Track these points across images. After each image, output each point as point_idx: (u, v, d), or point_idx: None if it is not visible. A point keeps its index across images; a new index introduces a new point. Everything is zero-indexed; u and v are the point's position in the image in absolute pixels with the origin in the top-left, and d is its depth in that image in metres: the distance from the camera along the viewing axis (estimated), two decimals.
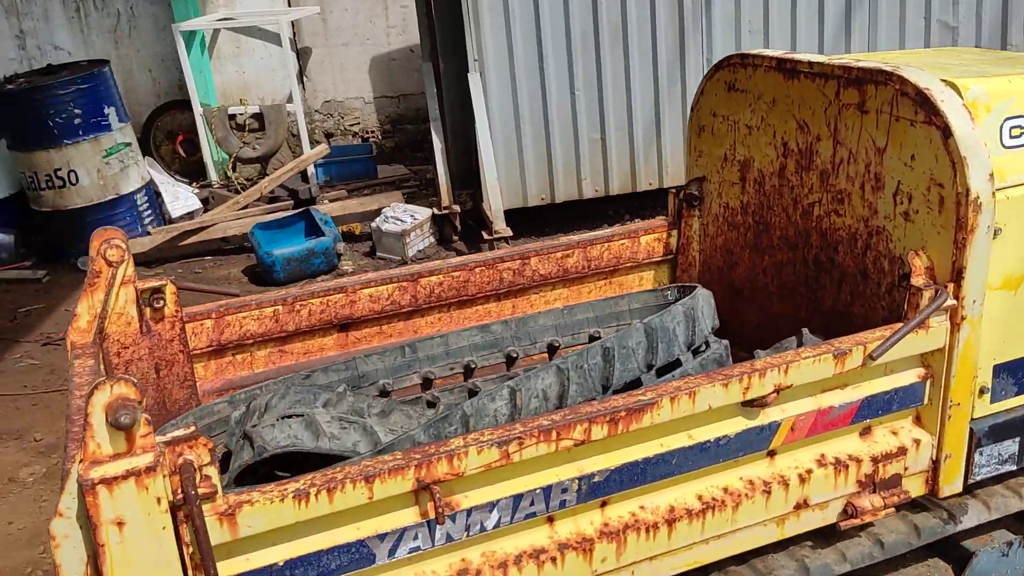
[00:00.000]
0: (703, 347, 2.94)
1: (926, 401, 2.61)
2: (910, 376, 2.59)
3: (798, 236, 3.08)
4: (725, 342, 2.94)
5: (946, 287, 2.47)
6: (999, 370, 2.65)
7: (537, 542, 2.26)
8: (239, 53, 8.99)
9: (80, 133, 7.25)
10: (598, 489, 2.27)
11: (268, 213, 7.51)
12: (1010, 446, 2.73)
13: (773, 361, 2.38)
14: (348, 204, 7.70)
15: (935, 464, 2.66)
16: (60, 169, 7.25)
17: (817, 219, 2.98)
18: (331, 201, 7.89)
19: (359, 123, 9.77)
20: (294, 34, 9.19)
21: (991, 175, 2.42)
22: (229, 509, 1.91)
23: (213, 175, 8.65)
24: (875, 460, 2.57)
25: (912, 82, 2.51)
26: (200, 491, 1.85)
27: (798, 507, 2.52)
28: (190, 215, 7.85)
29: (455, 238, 7.16)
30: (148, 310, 2.82)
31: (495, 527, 2.19)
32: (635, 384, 2.69)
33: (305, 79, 9.46)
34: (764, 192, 3.21)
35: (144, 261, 7.10)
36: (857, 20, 7.00)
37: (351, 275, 5.53)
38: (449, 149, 7.13)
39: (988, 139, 2.47)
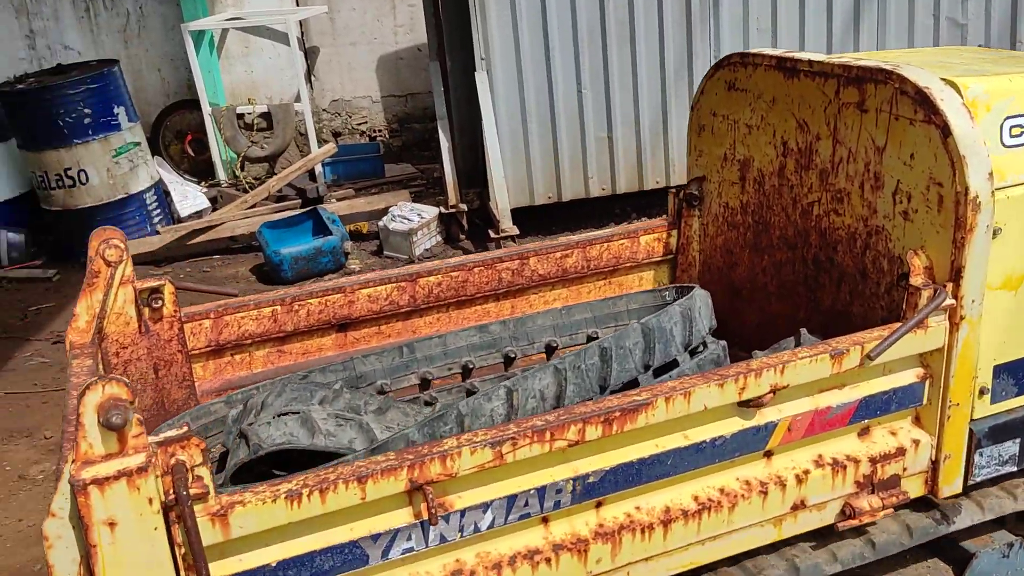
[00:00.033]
0: (700, 348, 2.93)
1: (925, 401, 2.60)
2: (909, 376, 2.57)
3: (797, 236, 3.07)
4: (723, 343, 2.93)
5: (945, 287, 2.45)
6: (999, 370, 2.63)
7: (532, 543, 2.26)
8: (247, 53, 9.01)
9: (90, 133, 7.28)
10: (593, 490, 2.26)
11: (276, 212, 7.53)
12: (1010, 447, 2.71)
13: (769, 361, 2.36)
14: (355, 203, 7.72)
15: (934, 465, 2.64)
16: (70, 168, 7.28)
17: (816, 218, 2.97)
18: (338, 200, 7.90)
19: (367, 122, 9.77)
20: (302, 33, 9.21)
21: (990, 174, 2.40)
22: (221, 510, 1.91)
23: (222, 174, 8.67)
24: (873, 461, 2.55)
25: (911, 81, 2.49)
26: (192, 491, 1.85)
27: (795, 508, 2.51)
28: (199, 214, 7.88)
29: (462, 237, 7.16)
30: (147, 310, 2.83)
31: (489, 528, 2.18)
32: (632, 385, 2.68)
33: (313, 78, 9.48)
34: (764, 192, 3.19)
35: (153, 260, 7.14)
36: (866, 18, 6.96)
37: (358, 274, 5.55)
38: (456, 148, 7.12)
39: (988, 138, 2.45)
